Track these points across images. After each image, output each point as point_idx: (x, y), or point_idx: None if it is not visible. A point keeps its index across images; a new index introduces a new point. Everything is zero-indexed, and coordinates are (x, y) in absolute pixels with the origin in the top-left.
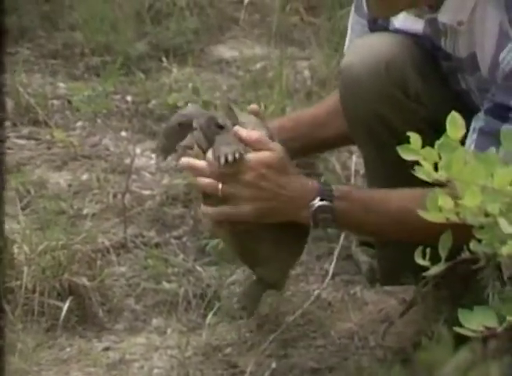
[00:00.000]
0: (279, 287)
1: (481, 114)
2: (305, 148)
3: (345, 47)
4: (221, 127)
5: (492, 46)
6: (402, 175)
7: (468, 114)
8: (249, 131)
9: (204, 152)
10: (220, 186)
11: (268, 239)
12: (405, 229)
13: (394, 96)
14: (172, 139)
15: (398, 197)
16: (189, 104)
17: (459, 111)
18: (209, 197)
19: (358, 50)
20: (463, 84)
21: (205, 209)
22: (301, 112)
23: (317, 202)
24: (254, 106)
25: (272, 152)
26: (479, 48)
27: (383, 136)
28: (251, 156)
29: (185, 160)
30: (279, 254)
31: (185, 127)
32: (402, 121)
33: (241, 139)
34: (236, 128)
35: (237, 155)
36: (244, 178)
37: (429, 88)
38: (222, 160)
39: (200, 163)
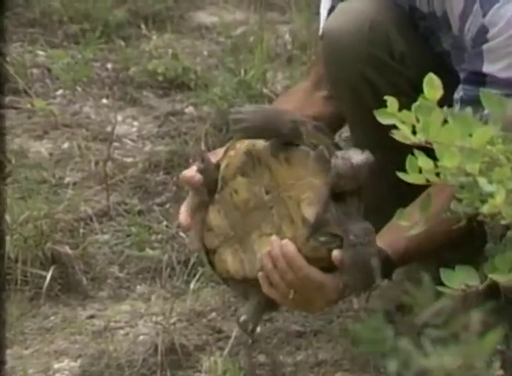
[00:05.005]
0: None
1: (460, 86)
2: None
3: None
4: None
5: (459, 11)
6: (388, 138)
7: (451, 77)
8: None
9: None
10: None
11: None
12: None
13: (378, 57)
14: None
15: (440, 232)
16: None
17: (442, 73)
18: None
19: (340, 13)
20: (444, 44)
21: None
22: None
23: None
24: None
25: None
26: (449, 9)
27: (367, 99)
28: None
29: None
30: None
31: None
32: (386, 82)
33: None
34: None
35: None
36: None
37: (412, 50)
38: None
39: (277, 278)
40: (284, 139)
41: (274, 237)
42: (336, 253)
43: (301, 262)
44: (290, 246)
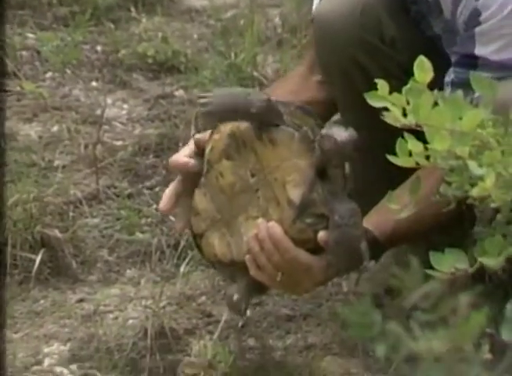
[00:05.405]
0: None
1: (451, 68)
2: None
3: None
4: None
5: None
6: (378, 121)
7: (442, 61)
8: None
9: None
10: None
11: None
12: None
13: (369, 41)
14: None
15: (429, 215)
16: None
17: (433, 57)
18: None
19: None
20: (435, 28)
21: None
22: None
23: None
24: None
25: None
26: None
27: (358, 83)
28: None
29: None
30: None
31: None
32: (377, 66)
33: None
34: None
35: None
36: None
37: (403, 34)
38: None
39: (264, 259)
40: (257, 118)
41: (260, 220)
42: (321, 234)
43: (288, 243)
44: (276, 228)
